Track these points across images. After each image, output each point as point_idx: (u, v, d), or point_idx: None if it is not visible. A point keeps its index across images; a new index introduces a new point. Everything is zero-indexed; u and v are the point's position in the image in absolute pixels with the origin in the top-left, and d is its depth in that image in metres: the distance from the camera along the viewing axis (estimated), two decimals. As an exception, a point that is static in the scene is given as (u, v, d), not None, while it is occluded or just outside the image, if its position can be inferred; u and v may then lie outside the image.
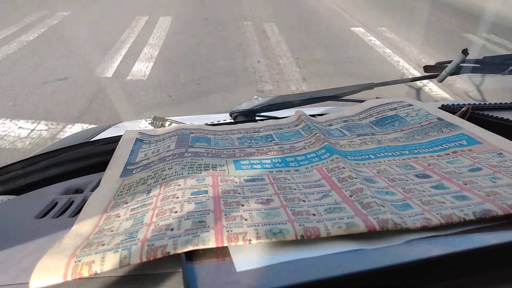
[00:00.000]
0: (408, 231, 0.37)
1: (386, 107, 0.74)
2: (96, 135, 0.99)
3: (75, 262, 0.34)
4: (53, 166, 0.66)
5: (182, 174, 0.49)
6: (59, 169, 0.65)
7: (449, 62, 0.79)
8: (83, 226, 0.42)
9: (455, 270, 0.34)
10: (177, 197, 0.43)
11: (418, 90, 2.51)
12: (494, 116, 0.71)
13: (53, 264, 0.35)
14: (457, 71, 0.80)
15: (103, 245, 0.36)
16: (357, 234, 0.36)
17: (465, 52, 0.74)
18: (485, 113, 0.73)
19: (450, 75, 0.80)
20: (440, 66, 0.81)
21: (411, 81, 0.85)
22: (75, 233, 0.41)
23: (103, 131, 1.02)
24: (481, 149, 0.55)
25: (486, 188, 0.43)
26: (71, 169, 0.65)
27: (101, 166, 0.59)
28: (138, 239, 0.36)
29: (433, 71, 0.84)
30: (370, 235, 0.36)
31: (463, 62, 0.79)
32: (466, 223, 0.38)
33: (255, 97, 0.93)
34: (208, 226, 0.37)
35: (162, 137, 0.67)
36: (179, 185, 0.46)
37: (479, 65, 0.81)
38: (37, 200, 0.52)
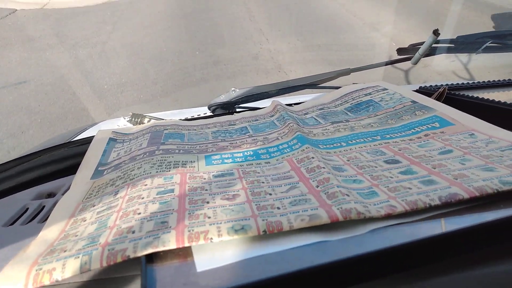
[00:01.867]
0: (372, 220, 0.37)
1: (361, 92, 0.74)
2: (76, 136, 0.98)
3: (36, 270, 0.34)
4: (26, 171, 0.65)
5: (150, 173, 0.49)
6: (32, 174, 0.64)
7: (422, 43, 0.78)
8: (49, 232, 0.41)
9: (419, 257, 0.34)
10: (142, 198, 0.43)
11: (405, 72, 2.50)
12: (470, 95, 0.70)
13: (14, 274, 0.34)
14: (431, 52, 0.80)
15: (65, 251, 0.36)
16: (321, 225, 0.36)
17: (435, 32, 0.73)
18: (462, 93, 0.73)
19: (423, 57, 0.80)
20: (413, 48, 0.81)
21: (385, 65, 0.84)
22: (41, 240, 0.40)
23: (82, 132, 1.01)
24: (453, 130, 0.55)
25: (455, 171, 0.43)
26: (44, 173, 0.65)
27: (75, 169, 0.58)
28: (100, 243, 0.35)
29: (406, 54, 0.83)
30: (334, 226, 0.36)
31: (436, 43, 0.78)
32: (432, 209, 0.38)
33: (233, 88, 0.92)
34: (170, 227, 0.36)
35: (136, 135, 0.67)
36: (145, 185, 0.46)
37: (452, 45, 0.81)
38: (8, 207, 0.52)
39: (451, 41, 0.81)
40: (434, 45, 0.78)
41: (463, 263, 0.35)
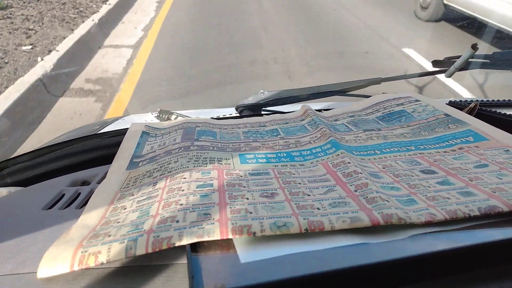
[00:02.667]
0: (412, 226, 0.37)
1: (393, 102, 0.74)
2: (102, 128, 1.00)
3: (82, 252, 0.35)
4: (60, 158, 0.67)
5: (187, 167, 0.50)
6: (66, 161, 0.66)
7: (458, 57, 0.78)
8: (89, 218, 0.42)
9: (459, 265, 0.34)
10: (183, 190, 0.43)
11: (426, 86, 2.49)
12: (502, 113, 0.70)
13: (60, 254, 0.35)
14: (466, 66, 0.79)
15: (109, 236, 0.37)
16: (361, 228, 0.36)
17: (474, 47, 0.73)
18: (493, 109, 0.73)
19: (458, 71, 0.80)
20: (448, 61, 0.80)
21: (419, 76, 0.84)
22: (82, 224, 0.41)
23: (109, 124, 1.02)
24: (488, 145, 0.54)
25: (492, 184, 0.43)
26: (77, 162, 0.66)
27: (108, 159, 0.59)
28: (144, 230, 0.36)
29: (441, 66, 0.83)
30: (374, 229, 0.37)
31: (472, 57, 0.78)
32: (471, 219, 0.38)
33: (261, 91, 0.93)
34: (213, 219, 0.37)
35: (168, 130, 0.68)
36: (184, 178, 0.46)
37: (488, 61, 0.80)
38: (45, 191, 0.53)
39: (486, 56, 0.80)
40: (469, 60, 0.78)
41: (501, 274, 0.34)
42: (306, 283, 0.31)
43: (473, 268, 0.34)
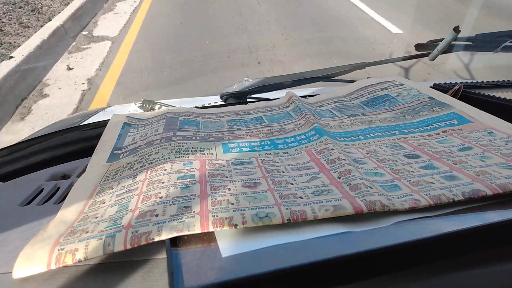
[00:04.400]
0: (396, 212, 0.37)
1: (377, 87, 0.74)
2: (85, 120, 0.98)
3: (59, 250, 0.34)
4: (40, 152, 0.65)
5: (169, 158, 0.49)
6: (46, 155, 0.64)
7: (441, 40, 0.78)
8: (67, 213, 0.41)
9: (444, 251, 0.34)
10: (163, 182, 0.42)
11: (410, 69, 2.48)
12: (486, 94, 0.70)
13: (36, 253, 0.34)
14: (449, 49, 0.79)
15: (86, 232, 0.36)
16: (345, 216, 0.36)
17: (456, 29, 0.73)
18: (477, 91, 0.72)
19: (442, 54, 0.79)
20: (431, 44, 0.80)
21: (402, 60, 0.84)
22: (60, 220, 0.40)
23: (92, 116, 1.00)
24: (471, 128, 0.54)
25: (476, 167, 0.43)
26: (58, 155, 0.64)
27: (89, 151, 0.58)
28: (122, 225, 0.35)
29: (424, 50, 0.82)
30: (358, 217, 0.36)
31: (455, 40, 0.77)
32: (455, 204, 0.37)
33: (246, 78, 0.92)
34: (194, 212, 0.36)
35: (150, 120, 0.66)
36: (165, 169, 0.45)
37: (471, 43, 0.80)
38: (23, 186, 0.51)
39: (469, 39, 0.80)
40: (452, 42, 0.77)
41: (486, 258, 0.34)
42: (288, 275, 0.30)
43: (457, 254, 0.34)
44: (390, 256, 0.33)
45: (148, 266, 0.34)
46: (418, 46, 0.83)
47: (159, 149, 0.52)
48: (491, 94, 0.69)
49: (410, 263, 0.33)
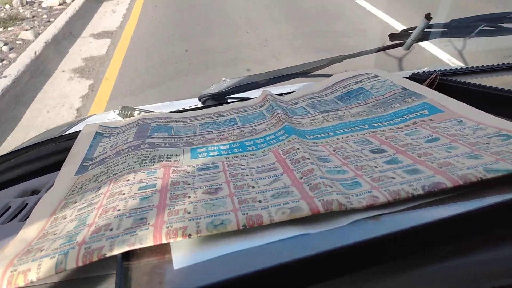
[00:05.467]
0: (354, 211, 0.36)
1: (352, 80, 0.73)
2: (65, 131, 0.97)
3: (11, 272, 0.33)
4: (13, 168, 0.65)
5: (133, 168, 0.48)
6: (18, 171, 0.64)
7: (414, 28, 0.77)
8: (28, 231, 0.41)
9: (401, 248, 0.33)
10: (123, 194, 0.42)
11: (403, 58, 2.46)
12: (463, 81, 0.69)
13: None
14: (424, 37, 0.78)
15: (41, 251, 0.35)
16: (303, 218, 0.35)
17: (428, 16, 0.71)
18: (455, 79, 0.72)
19: (416, 42, 0.78)
20: (405, 33, 0.79)
21: (377, 51, 0.83)
22: (20, 239, 0.40)
23: (73, 126, 1.00)
24: (442, 118, 0.53)
25: (440, 159, 0.42)
26: (31, 170, 0.64)
27: (61, 165, 0.57)
28: (76, 242, 0.35)
29: (398, 39, 0.81)
30: (316, 218, 0.36)
31: (429, 27, 0.76)
32: (415, 198, 0.37)
33: (223, 79, 0.91)
34: (148, 223, 0.35)
35: (123, 129, 0.66)
36: (128, 180, 0.45)
37: (446, 29, 0.79)
38: None
39: (445, 25, 0.79)
40: (427, 30, 0.76)
41: (445, 253, 0.34)
42: (240, 283, 0.30)
43: (415, 251, 0.33)
44: (346, 256, 0.32)
45: (105, 283, 0.33)
46: (392, 36, 0.82)
47: (125, 159, 0.51)
48: (468, 81, 0.69)
49: (367, 262, 0.33)
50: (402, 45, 0.80)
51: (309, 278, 0.32)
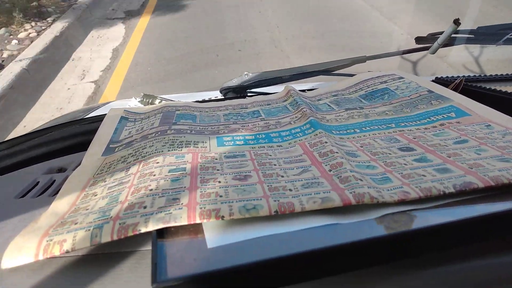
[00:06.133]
0: (385, 205, 0.36)
1: (377, 80, 0.73)
2: (86, 115, 0.98)
3: (47, 241, 0.34)
4: (37, 146, 0.66)
5: (162, 151, 0.49)
6: (43, 149, 0.65)
7: (441, 33, 0.77)
8: (60, 205, 0.41)
9: (432, 244, 0.34)
10: (154, 175, 0.42)
11: (414, 63, 2.45)
12: (487, 88, 0.69)
13: (25, 244, 0.34)
14: (450, 42, 0.78)
15: (76, 224, 0.36)
16: (333, 208, 0.36)
17: (456, 22, 0.71)
18: (479, 85, 0.72)
19: (442, 47, 0.78)
20: (432, 37, 0.79)
21: (402, 54, 0.83)
22: (52, 212, 0.40)
23: (94, 111, 1.01)
24: (469, 121, 0.54)
25: (470, 160, 0.42)
26: (55, 149, 0.65)
27: (86, 146, 0.58)
28: (111, 217, 0.35)
29: (425, 43, 0.81)
30: (346, 209, 0.36)
31: (456, 33, 0.76)
32: (445, 196, 0.37)
33: (245, 72, 0.92)
34: (182, 204, 0.36)
35: (147, 114, 0.66)
36: (157, 162, 0.46)
37: (472, 36, 0.79)
38: (19, 180, 0.52)
39: (471, 31, 0.79)
40: (453, 35, 0.76)
41: (475, 252, 0.34)
42: (272, 266, 0.30)
43: (445, 247, 0.33)
44: (377, 248, 0.33)
45: (136, 258, 0.34)
46: (418, 39, 0.82)
47: (153, 143, 0.52)
48: (493, 88, 0.69)
49: (397, 255, 0.33)
50: (427, 49, 0.80)
51: (341, 266, 0.32)
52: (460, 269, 0.33)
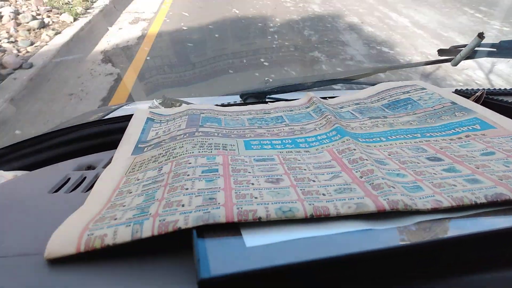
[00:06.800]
0: (418, 213, 0.37)
1: (399, 90, 0.74)
2: (107, 115, 1.00)
3: (88, 235, 0.35)
4: (65, 143, 0.67)
5: (192, 152, 0.50)
6: (71, 147, 0.66)
7: (464, 46, 0.77)
8: (95, 201, 0.42)
9: (465, 252, 0.34)
10: (188, 175, 0.43)
11: (431, 74, 2.45)
12: (509, 101, 0.69)
13: (67, 237, 0.35)
14: (472, 55, 0.78)
15: (115, 219, 0.37)
16: (367, 214, 0.36)
17: (480, 35, 0.72)
18: (500, 98, 0.72)
19: (464, 59, 0.79)
20: (454, 50, 0.79)
21: (424, 65, 0.83)
22: (88, 207, 0.41)
23: (114, 111, 1.02)
24: (494, 133, 0.54)
25: (499, 172, 0.43)
26: (83, 147, 0.66)
27: (112, 145, 0.59)
28: (150, 214, 0.36)
29: (447, 55, 0.82)
30: (380, 216, 0.36)
31: (478, 46, 0.77)
32: (477, 206, 0.38)
33: (266, 78, 0.93)
34: (219, 203, 0.37)
35: (172, 116, 0.68)
36: (189, 163, 0.47)
37: (495, 49, 0.79)
38: (50, 175, 0.53)
39: (493, 45, 0.80)
40: (476, 49, 0.77)
41: (508, 262, 0.35)
42: (311, 268, 0.31)
43: (480, 256, 0.34)
44: (411, 255, 0.33)
45: (175, 254, 0.35)
46: (441, 51, 0.83)
47: (182, 144, 0.53)
48: None
49: (432, 262, 0.33)
50: (449, 61, 0.80)
51: (376, 271, 0.33)
52: (491, 278, 0.34)
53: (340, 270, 0.32)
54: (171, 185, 0.42)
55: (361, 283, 0.33)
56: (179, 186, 0.41)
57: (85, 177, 0.52)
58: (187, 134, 0.56)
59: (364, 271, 0.33)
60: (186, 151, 0.50)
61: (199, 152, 0.50)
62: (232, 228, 0.35)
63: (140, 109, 0.70)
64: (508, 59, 0.78)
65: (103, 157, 0.58)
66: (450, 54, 0.81)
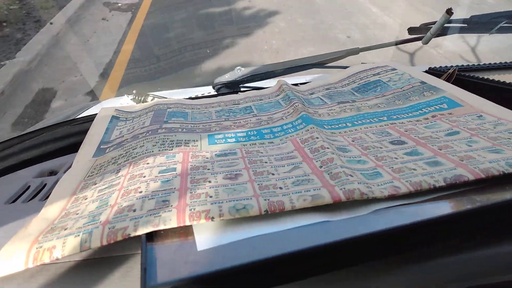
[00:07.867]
0: (376, 200, 0.36)
1: (370, 72, 0.72)
2: (78, 114, 0.98)
3: (36, 248, 0.34)
4: (29, 149, 0.65)
5: (152, 151, 0.48)
6: (34, 152, 0.64)
7: (434, 23, 0.76)
8: (50, 210, 0.41)
9: (422, 239, 0.34)
10: (144, 176, 0.42)
11: (412, 53, 2.44)
12: (481, 77, 0.69)
13: (15, 251, 0.34)
14: (443, 32, 0.77)
15: (65, 229, 0.36)
16: (324, 206, 0.35)
17: (449, 11, 0.71)
18: (472, 74, 0.71)
19: (435, 37, 0.77)
20: (425, 27, 0.78)
21: (395, 45, 0.82)
22: (42, 217, 0.40)
23: (86, 110, 1.00)
24: (461, 112, 0.53)
25: (461, 152, 0.42)
26: (47, 151, 0.64)
27: (77, 147, 0.58)
28: (100, 221, 0.35)
29: (417, 33, 0.80)
30: (337, 206, 0.36)
31: (449, 22, 0.76)
32: (436, 190, 0.37)
33: (238, 67, 0.91)
34: (171, 206, 0.36)
35: (139, 113, 0.66)
36: (147, 163, 0.45)
37: (466, 25, 0.78)
38: (10, 184, 0.51)
39: (464, 21, 0.78)
40: (446, 25, 0.76)
41: (466, 245, 0.34)
42: (263, 267, 0.30)
43: (436, 242, 0.33)
44: (368, 245, 0.33)
45: (129, 262, 0.34)
46: (411, 30, 0.82)
47: (143, 143, 0.51)
48: (486, 77, 0.68)
49: (388, 251, 0.33)
50: (420, 39, 0.79)
51: (331, 264, 0.32)
52: (450, 262, 0.33)
53: (294, 266, 0.31)
54: (126, 189, 0.40)
55: (317, 277, 0.32)
56: (133, 189, 0.40)
57: (45, 184, 0.51)
58: (150, 132, 0.55)
59: (321, 264, 0.32)
60: (146, 150, 0.49)
61: (159, 150, 0.49)
62: (186, 231, 0.34)
63: (105, 108, 0.68)
64: (480, 34, 0.77)
65: (66, 160, 0.57)
66: (420, 32, 0.80)
